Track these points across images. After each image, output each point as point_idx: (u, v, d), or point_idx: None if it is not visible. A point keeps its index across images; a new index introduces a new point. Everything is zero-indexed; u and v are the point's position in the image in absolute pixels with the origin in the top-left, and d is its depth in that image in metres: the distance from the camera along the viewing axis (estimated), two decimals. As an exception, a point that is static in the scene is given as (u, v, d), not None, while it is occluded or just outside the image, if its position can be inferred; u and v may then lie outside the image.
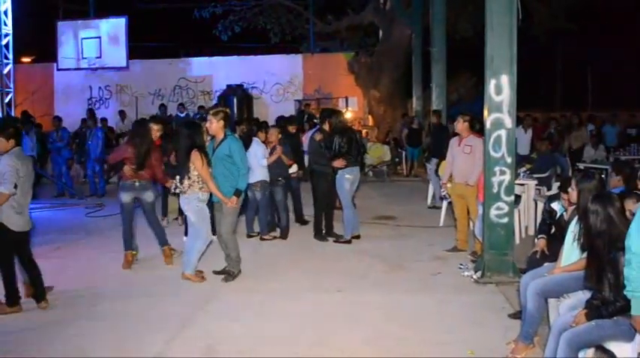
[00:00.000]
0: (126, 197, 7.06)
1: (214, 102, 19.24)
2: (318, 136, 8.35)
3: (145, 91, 20.42)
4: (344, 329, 5.15)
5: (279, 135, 8.68)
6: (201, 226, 6.44)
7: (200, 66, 20.72)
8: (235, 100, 17.98)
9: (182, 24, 21.46)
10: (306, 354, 4.69)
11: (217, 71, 20.48)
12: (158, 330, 5.18)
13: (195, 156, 6.22)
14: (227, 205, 6.37)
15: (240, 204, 6.57)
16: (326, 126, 8.32)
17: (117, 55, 18.07)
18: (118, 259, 7.19)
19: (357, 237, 8.38)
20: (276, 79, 20.39)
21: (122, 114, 18.23)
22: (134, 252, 7.25)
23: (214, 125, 6.40)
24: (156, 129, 7.28)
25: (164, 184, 7.42)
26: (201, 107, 18.27)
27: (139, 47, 19.78)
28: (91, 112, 15.38)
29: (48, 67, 20.18)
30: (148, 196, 7.09)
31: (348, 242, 8.22)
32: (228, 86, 18.86)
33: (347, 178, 8.13)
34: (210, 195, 6.44)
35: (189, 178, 6.28)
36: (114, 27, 18.10)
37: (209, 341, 4.94)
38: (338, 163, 8.03)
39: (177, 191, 6.41)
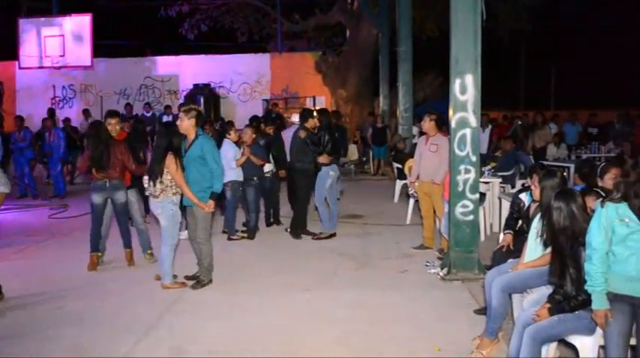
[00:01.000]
0: (97, 198, 6.90)
1: (181, 101, 19.09)
2: (303, 133, 8.37)
3: (110, 90, 20.15)
4: (314, 328, 5.18)
5: (254, 136, 8.66)
6: (171, 231, 6.24)
7: (166, 65, 20.52)
8: (202, 100, 17.86)
9: (148, 22, 21.18)
10: (276, 354, 4.69)
11: (184, 70, 20.32)
12: (125, 332, 5.13)
13: (170, 161, 5.99)
14: (204, 210, 6.10)
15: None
16: (309, 125, 8.41)
17: (81, 53, 17.75)
18: (83, 261, 7.07)
19: (334, 234, 8.49)
20: (243, 78, 20.32)
21: (86, 113, 17.94)
22: (99, 254, 7.14)
23: (185, 123, 6.12)
24: (113, 124, 7.05)
25: (140, 174, 6.86)
26: (167, 107, 18.12)
27: (103, 46, 19.46)
28: (50, 112, 15.10)
29: (9, 66, 19.73)
30: (120, 196, 6.92)
31: (329, 237, 8.36)
32: (195, 85, 18.74)
33: (331, 175, 8.30)
34: (182, 198, 6.23)
35: (161, 182, 6.05)
36: (78, 25, 17.78)
37: (178, 342, 4.91)
38: (323, 159, 8.10)
39: (147, 193, 6.25)
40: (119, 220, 7.12)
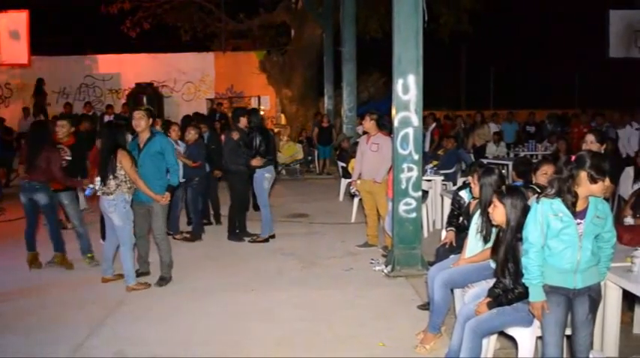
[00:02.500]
0: (22, 198, 6.83)
1: (123, 101, 18.72)
2: (236, 135, 8.19)
3: (48, 89, 19.41)
4: (258, 329, 5.16)
5: (197, 135, 8.56)
6: (127, 230, 6.20)
7: (108, 63, 20.05)
8: (145, 99, 17.55)
9: (88, 19, 20.62)
10: (220, 355, 4.66)
11: (126, 69, 19.90)
12: (66, 336, 5.01)
13: (123, 156, 6.04)
14: (160, 202, 6.24)
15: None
16: (240, 124, 8.28)
17: (17, 51, 17.17)
18: (22, 264, 6.88)
19: (273, 236, 8.41)
20: (187, 77, 20.07)
21: (26, 111, 17.28)
22: (36, 253, 6.97)
23: (144, 122, 6.26)
24: (60, 126, 6.96)
25: (64, 186, 6.95)
26: (109, 106, 17.71)
27: (41, 43, 18.84)
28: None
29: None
30: (41, 198, 6.75)
31: (266, 240, 8.25)
32: (138, 84, 18.38)
33: (266, 177, 8.17)
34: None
35: (115, 178, 6.05)
36: (14, 21, 17.20)
37: (120, 346, 4.82)
38: (256, 162, 8.01)
39: (100, 193, 6.15)
40: (47, 222, 7.01)
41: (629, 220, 5.15)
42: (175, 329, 5.18)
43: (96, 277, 6.55)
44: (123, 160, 6.03)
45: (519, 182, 5.45)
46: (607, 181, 3.47)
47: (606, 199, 3.90)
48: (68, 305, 5.83)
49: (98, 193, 6.21)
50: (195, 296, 6.04)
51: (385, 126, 7.95)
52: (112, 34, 19.76)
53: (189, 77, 20.09)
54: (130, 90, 18.87)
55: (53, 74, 19.48)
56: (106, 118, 15.77)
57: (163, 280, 6.43)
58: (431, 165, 9.51)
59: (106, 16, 18.57)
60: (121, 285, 6.30)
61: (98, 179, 6.15)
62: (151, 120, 6.38)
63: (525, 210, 3.86)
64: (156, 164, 6.29)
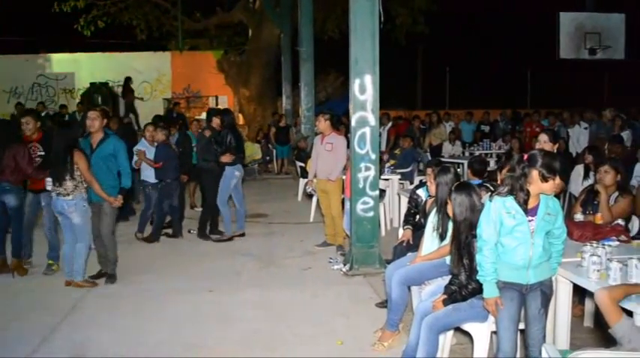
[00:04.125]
0: None
1: (77, 101, 18.33)
2: (208, 132, 8.36)
3: (-1, 88, 19.02)
4: (217, 329, 5.14)
5: (164, 137, 8.48)
6: (86, 228, 6.19)
7: (61, 62, 19.64)
8: (100, 99, 17.23)
9: (41, 17, 20.08)
10: (177, 357, 4.62)
11: (80, 68, 19.55)
12: (19, 344, 4.86)
13: (80, 157, 6.00)
14: (113, 204, 6.25)
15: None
16: (213, 124, 8.34)
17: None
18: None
19: (242, 234, 8.44)
20: (143, 77, 19.79)
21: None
22: (4, 257, 6.80)
23: (97, 122, 6.26)
24: (25, 123, 6.76)
25: (36, 179, 6.66)
26: (63, 106, 17.31)
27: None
28: None
29: None
30: (10, 200, 6.59)
31: (230, 239, 8.27)
32: (92, 84, 18.02)
33: (236, 175, 8.19)
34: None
35: (73, 179, 5.99)
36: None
37: (76, 351, 4.73)
38: (226, 158, 8.00)
39: (55, 194, 6.05)
40: (13, 227, 6.82)
41: (579, 217, 5.29)
42: (131, 332, 5.10)
43: (51, 282, 6.41)
44: (79, 161, 5.99)
45: (475, 180, 5.56)
46: (557, 179, 3.56)
47: (557, 196, 4.00)
48: (21, 312, 5.66)
49: (52, 194, 6.09)
50: (153, 298, 5.96)
51: (340, 125, 8.02)
52: (66, 33, 19.33)
53: (146, 77, 19.83)
54: (84, 90, 18.47)
55: (4, 73, 19.01)
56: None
57: (113, 277, 6.46)
58: (388, 164, 9.60)
59: (60, 14, 18.14)
60: (76, 289, 6.19)
61: (49, 180, 6.06)
62: (105, 120, 6.39)
63: (474, 207, 3.95)
64: (108, 166, 6.29)
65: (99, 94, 17.47)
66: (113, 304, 5.82)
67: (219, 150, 8.08)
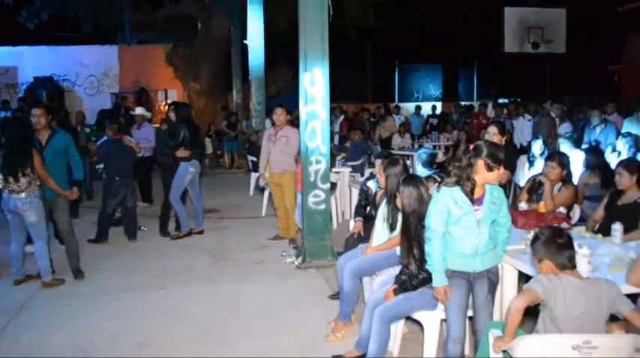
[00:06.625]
0: None
1: (20, 95, 17.78)
2: (164, 126, 8.34)
3: None
4: (170, 326, 5.10)
5: (112, 133, 8.26)
6: (42, 225, 6.06)
7: (3, 56, 18.96)
8: (45, 94, 16.77)
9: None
10: (129, 355, 4.57)
11: (24, 62, 18.94)
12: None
13: (34, 153, 5.91)
14: (70, 198, 6.33)
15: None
16: (172, 117, 8.21)
17: None
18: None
19: (201, 231, 8.35)
20: (89, 70, 19.35)
21: None
22: None
23: (43, 119, 6.30)
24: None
25: None
26: (5, 102, 16.74)
27: None
28: None
29: None
30: None
31: (188, 234, 8.19)
32: (36, 78, 17.54)
33: (190, 171, 7.98)
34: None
35: (27, 175, 5.85)
36: None
37: (24, 353, 4.63)
38: (180, 153, 7.85)
39: (7, 191, 5.88)
40: None
41: (523, 205, 5.46)
42: (81, 332, 5.01)
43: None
44: (36, 159, 5.90)
45: (425, 171, 5.66)
46: (502, 169, 3.66)
47: (502, 186, 4.12)
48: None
49: (4, 192, 5.94)
50: (103, 297, 5.87)
51: (292, 119, 8.03)
52: (8, 25, 18.70)
53: (92, 70, 19.39)
54: (28, 84, 17.93)
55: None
56: (2, 115, 14.90)
57: (79, 273, 6.44)
58: (339, 157, 9.67)
59: (1, 6, 17.53)
60: (24, 288, 6.06)
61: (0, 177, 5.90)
62: (49, 116, 6.41)
63: (422, 198, 4.04)
64: (60, 161, 6.37)
65: (43, 89, 16.97)
66: (62, 303, 5.70)
67: (171, 144, 7.94)
